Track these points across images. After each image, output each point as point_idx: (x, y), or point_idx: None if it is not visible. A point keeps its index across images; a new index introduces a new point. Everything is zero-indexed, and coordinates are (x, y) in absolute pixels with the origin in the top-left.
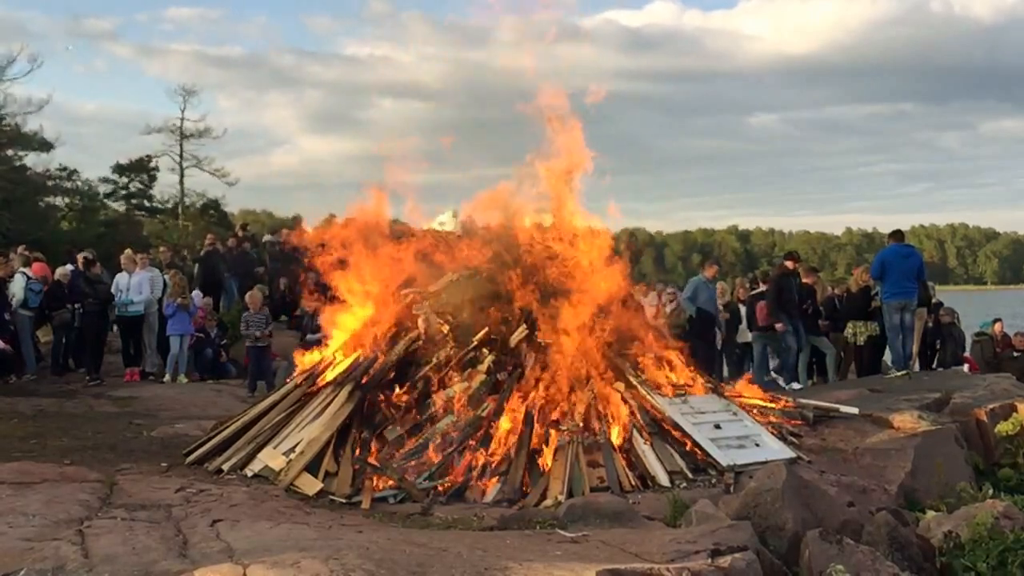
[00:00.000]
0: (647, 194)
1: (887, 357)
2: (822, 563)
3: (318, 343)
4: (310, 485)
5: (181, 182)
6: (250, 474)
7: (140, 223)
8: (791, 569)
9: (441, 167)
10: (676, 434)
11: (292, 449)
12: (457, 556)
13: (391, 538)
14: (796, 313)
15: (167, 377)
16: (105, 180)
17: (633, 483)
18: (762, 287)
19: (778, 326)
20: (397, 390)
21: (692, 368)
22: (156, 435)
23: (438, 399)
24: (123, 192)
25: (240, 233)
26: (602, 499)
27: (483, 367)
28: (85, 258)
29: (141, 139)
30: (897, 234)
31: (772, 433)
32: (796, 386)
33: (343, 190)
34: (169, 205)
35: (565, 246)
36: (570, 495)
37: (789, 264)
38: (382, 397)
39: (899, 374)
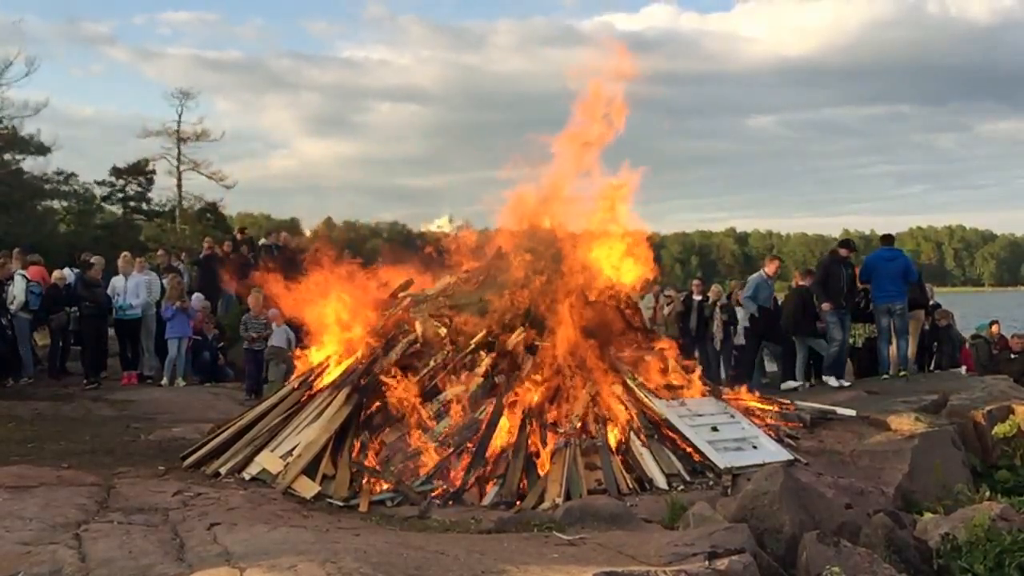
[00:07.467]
0: (644, 195)
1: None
2: (819, 565)
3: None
4: (308, 488)
5: (179, 185)
6: (248, 477)
7: (137, 226)
8: (788, 571)
9: (439, 170)
10: (673, 436)
11: (290, 452)
12: (455, 559)
13: (389, 541)
14: (845, 304)
15: (165, 380)
16: (102, 183)
17: (631, 485)
18: None
19: (825, 305)
20: (395, 393)
21: (686, 370)
22: (153, 438)
23: (436, 402)
24: (120, 195)
25: (238, 236)
26: (599, 501)
27: (481, 370)
28: (86, 261)
29: (138, 142)
30: (886, 238)
31: (769, 435)
32: (792, 385)
33: (341, 193)
34: (167, 208)
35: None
36: (568, 498)
37: (842, 251)
38: (379, 400)
39: (885, 378)
